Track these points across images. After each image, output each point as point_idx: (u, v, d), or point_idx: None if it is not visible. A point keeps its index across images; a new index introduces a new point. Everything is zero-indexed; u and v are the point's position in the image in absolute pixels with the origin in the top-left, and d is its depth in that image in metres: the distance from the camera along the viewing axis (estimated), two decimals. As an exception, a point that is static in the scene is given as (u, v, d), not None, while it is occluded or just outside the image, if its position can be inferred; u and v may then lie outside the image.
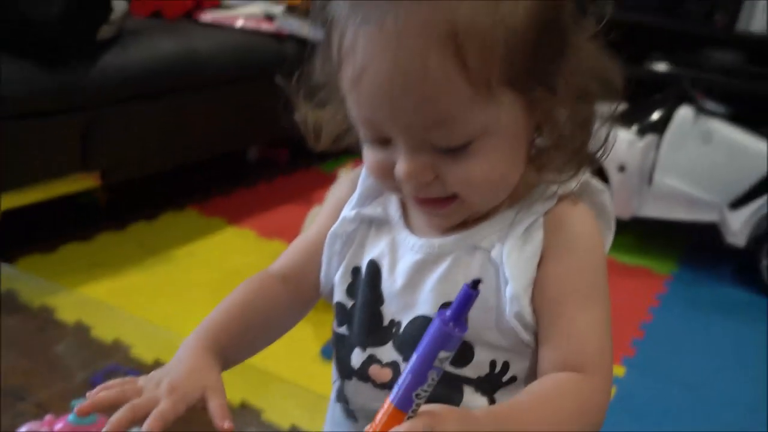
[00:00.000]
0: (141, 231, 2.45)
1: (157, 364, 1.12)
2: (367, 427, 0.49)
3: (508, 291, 0.60)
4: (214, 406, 0.59)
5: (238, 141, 2.84)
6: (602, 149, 0.61)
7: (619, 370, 2.00)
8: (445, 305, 0.59)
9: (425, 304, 0.63)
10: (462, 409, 0.51)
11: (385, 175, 0.61)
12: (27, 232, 2.28)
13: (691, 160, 2.55)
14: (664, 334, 2.24)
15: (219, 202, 2.73)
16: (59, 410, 0.83)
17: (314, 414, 0.82)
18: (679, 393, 1.95)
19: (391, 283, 0.65)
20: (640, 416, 1.84)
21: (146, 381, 0.60)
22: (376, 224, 0.68)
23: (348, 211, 0.69)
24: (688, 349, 2.19)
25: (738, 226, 2.50)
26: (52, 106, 2.00)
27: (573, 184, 0.62)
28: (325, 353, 1.79)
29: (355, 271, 0.68)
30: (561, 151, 0.60)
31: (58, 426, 0.81)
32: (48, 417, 0.83)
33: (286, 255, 0.73)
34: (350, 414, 0.69)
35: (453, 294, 0.61)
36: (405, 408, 0.46)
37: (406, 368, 0.46)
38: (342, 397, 0.69)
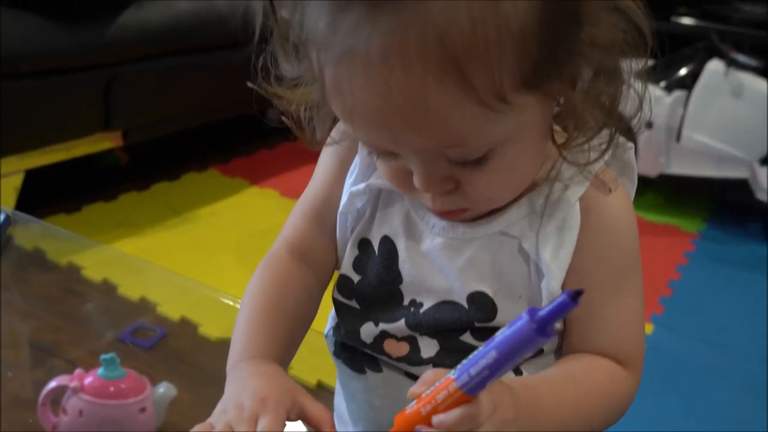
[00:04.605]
0: (164, 191, 2.46)
1: (183, 322, 1.13)
2: (415, 405, 0.47)
3: (546, 286, 0.57)
4: (317, 411, 0.52)
5: (259, 101, 2.82)
6: (636, 117, 0.55)
7: (647, 328, 1.99)
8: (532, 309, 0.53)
9: (452, 290, 0.60)
10: (508, 387, 0.49)
11: (403, 184, 0.55)
12: (51, 192, 2.29)
13: (720, 115, 2.49)
14: (692, 291, 2.21)
15: (241, 163, 2.73)
16: (89, 366, 0.83)
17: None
18: (708, 350, 1.93)
19: (411, 263, 0.61)
20: (669, 373, 1.83)
21: (222, 415, 0.52)
22: (386, 194, 0.63)
23: (354, 186, 0.63)
24: (717, 306, 2.17)
25: (769, 183, 2.45)
26: (73, 63, 2.00)
27: (602, 161, 0.57)
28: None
29: (363, 243, 0.64)
30: (584, 130, 0.54)
31: (88, 380, 0.81)
32: (78, 371, 0.83)
33: (292, 229, 0.67)
34: (358, 368, 0.66)
35: (480, 281, 0.59)
36: (474, 392, 0.45)
37: (478, 356, 0.44)
38: (346, 355, 0.67)
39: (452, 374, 0.45)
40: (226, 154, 2.76)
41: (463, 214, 0.56)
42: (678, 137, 2.54)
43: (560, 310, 0.41)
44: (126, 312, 1.19)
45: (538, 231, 0.58)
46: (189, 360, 1.05)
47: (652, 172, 2.57)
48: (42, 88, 1.95)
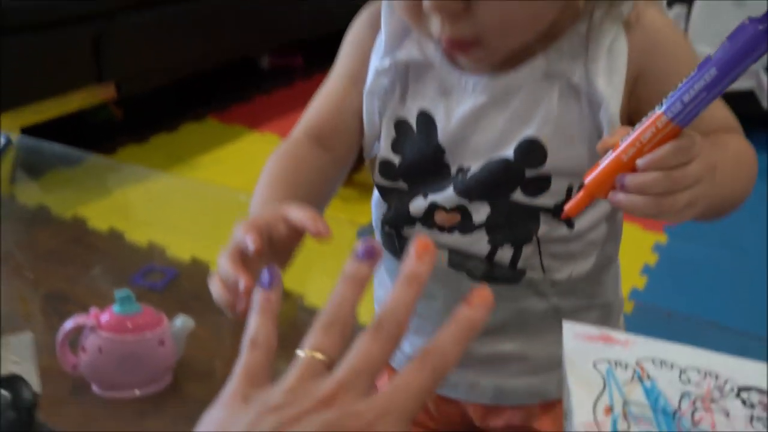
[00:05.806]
0: (164, 142, 2.44)
1: (194, 262, 1.12)
2: (612, 155, 0.44)
3: (605, 114, 0.55)
4: (300, 215, 0.49)
5: (252, 47, 2.78)
6: None
7: (661, 238, 2.00)
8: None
9: (498, 145, 0.58)
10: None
11: (416, 15, 0.53)
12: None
13: (724, 24, 2.42)
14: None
15: (238, 110, 2.70)
16: (103, 307, 0.82)
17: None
18: (725, 255, 1.94)
19: (452, 131, 0.59)
20: (688, 281, 1.84)
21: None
22: (414, 68, 0.61)
23: (379, 61, 0.61)
24: (734, 213, 2.15)
25: (776, 91, 2.42)
26: (62, 15, 1.97)
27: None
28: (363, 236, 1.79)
29: (399, 124, 0.62)
30: None
31: (104, 317, 0.81)
32: (93, 310, 0.82)
33: (314, 113, 0.66)
34: (401, 255, 0.64)
35: (530, 129, 0.57)
36: (684, 124, 0.41)
37: (690, 81, 0.40)
38: (389, 247, 0.66)
39: (659, 109, 0.42)
40: (223, 102, 2.73)
41: (477, 48, 0.54)
42: (681, 51, 2.50)
43: None
44: (136, 257, 1.19)
45: (586, 62, 0.56)
46: (203, 297, 1.04)
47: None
48: (32, 42, 1.92)
